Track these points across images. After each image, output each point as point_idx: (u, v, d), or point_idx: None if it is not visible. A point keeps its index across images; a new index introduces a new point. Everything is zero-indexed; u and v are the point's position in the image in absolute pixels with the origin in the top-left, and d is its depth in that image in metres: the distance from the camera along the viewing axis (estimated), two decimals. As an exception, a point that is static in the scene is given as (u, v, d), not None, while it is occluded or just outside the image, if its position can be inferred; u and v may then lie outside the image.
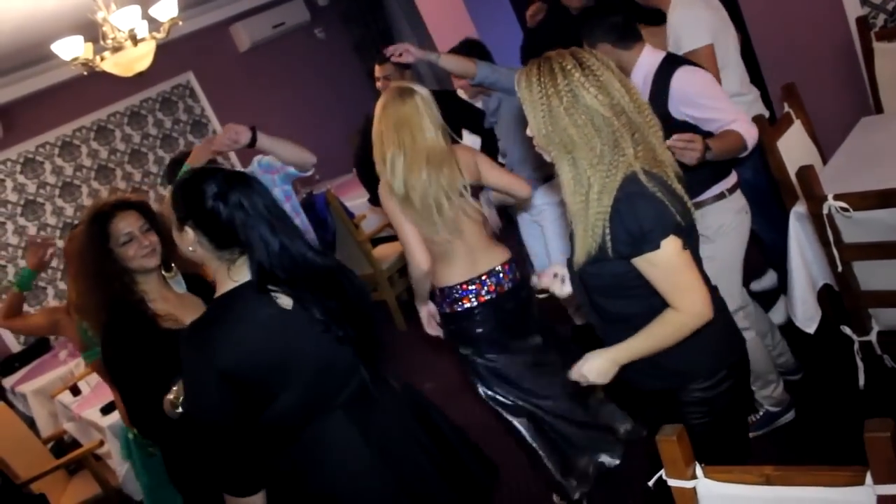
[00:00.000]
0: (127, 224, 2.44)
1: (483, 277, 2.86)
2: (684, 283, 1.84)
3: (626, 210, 1.79)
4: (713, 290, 2.02)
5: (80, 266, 2.53)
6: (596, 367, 1.94)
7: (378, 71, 3.92)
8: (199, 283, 2.66)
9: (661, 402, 2.10)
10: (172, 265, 2.54)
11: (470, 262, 2.86)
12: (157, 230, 2.48)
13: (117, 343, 2.37)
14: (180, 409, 2.24)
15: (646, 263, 1.82)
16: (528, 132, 1.94)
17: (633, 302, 1.93)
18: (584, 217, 1.87)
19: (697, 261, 1.95)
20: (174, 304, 2.51)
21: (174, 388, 2.27)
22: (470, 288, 2.86)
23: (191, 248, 1.93)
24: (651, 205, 1.79)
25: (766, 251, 3.81)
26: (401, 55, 3.25)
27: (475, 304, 2.86)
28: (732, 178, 2.91)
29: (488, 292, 2.87)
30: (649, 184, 1.80)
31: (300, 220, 3.47)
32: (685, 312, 1.85)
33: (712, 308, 1.87)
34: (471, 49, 3.67)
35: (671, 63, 2.77)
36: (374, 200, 4.73)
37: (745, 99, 3.44)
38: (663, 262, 1.81)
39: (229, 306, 1.91)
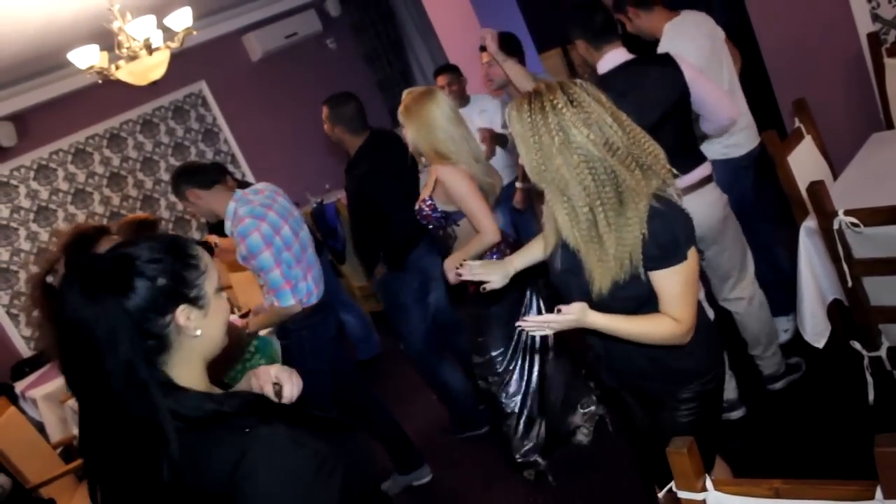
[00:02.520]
0: (109, 242, 2.51)
1: None
2: (691, 296, 1.91)
3: (661, 227, 1.84)
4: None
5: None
6: (578, 314, 1.89)
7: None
8: None
9: (651, 404, 2.21)
10: None
11: None
12: None
13: None
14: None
15: (670, 273, 1.87)
16: (520, 161, 2.00)
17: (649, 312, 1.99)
18: (596, 251, 1.90)
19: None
20: None
21: None
22: None
23: None
24: (681, 217, 1.88)
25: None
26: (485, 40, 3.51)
27: None
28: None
29: None
30: (673, 199, 1.90)
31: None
32: (682, 324, 1.90)
33: (692, 333, 1.97)
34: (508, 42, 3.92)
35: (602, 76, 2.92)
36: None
37: (738, 126, 3.44)
38: (686, 273, 1.88)
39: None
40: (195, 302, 1.35)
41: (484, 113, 4.86)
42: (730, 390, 3.24)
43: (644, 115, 2.78)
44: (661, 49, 3.36)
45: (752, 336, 3.29)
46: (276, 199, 3.49)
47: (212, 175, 3.45)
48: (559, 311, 1.88)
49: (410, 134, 3.07)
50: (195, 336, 1.36)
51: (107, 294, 1.28)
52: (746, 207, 3.51)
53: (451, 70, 4.90)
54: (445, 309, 3.95)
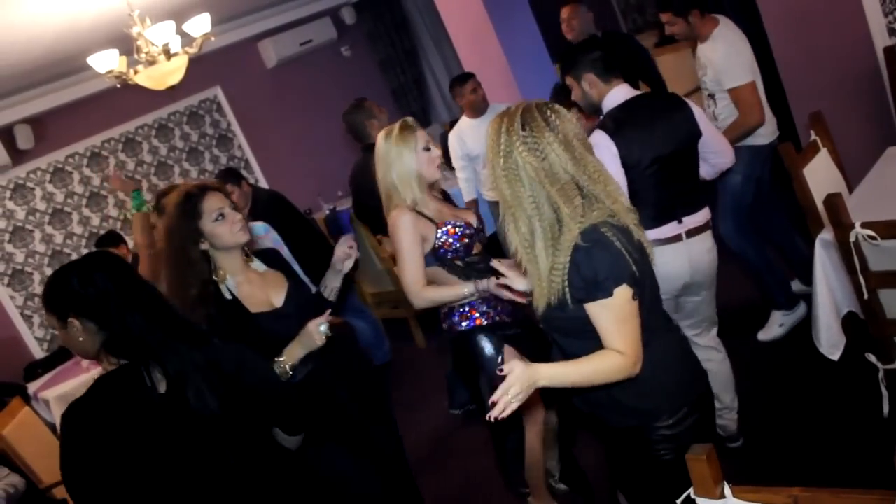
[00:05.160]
0: (217, 201, 2.52)
1: None
2: (629, 330, 1.92)
3: (584, 259, 1.88)
4: (676, 330, 2.20)
5: (169, 244, 2.56)
6: (523, 376, 1.84)
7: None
8: (273, 257, 2.77)
9: (628, 438, 2.15)
10: (247, 251, 2.65)
11: None
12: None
13: (212, 326, 2.45)
14: (290, 372, 2.49)
15: (598, 308, 1.91)
16: None
17: (588, 343, 1.98)
18: (535, 269, 1.98)
19: (657, 302, 2.09)
20: (259, 285, 2.61)
21: (281, 359, 2.49)
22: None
23: (81, 339, 1.90)
24: (608, 254, 1.88)
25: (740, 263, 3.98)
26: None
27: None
28: (667, 231, 2.90)
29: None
30: (609, 233, 1.89)
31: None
32: (628, 356, 1.91)
33: (641, 366, 1.94)
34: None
35: (604, 118, 2.92)
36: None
37: (766, 116, 3.67)
38: (615, 309, 1.89)
39: (108, 389, 1.89)
40: None
41: None
42: (731, 422, 3.21)
43: (659, 148, 2.82)
44: (718, 54, 3.58)
45: (724, 385, 3.15)
46: None
47: None
48: (500, 370, 1.86)
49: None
50: None
51: None
52: (764, 194, 3.81)
53: (471, 78, 4.95)
54: None
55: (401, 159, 2.78)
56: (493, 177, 1.97)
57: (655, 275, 2.10)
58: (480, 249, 2.94)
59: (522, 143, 1.90)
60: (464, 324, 2.91)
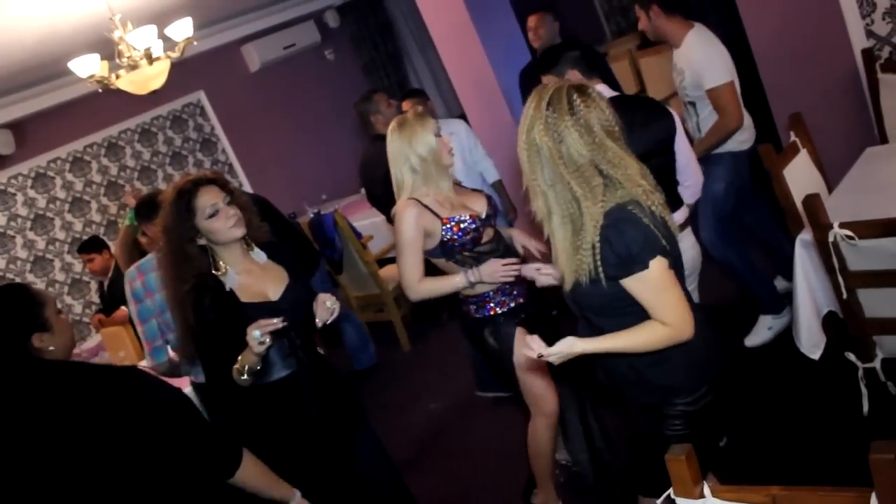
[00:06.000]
0: (211, 197, 2.49)
1: None
2: (672, 299, 1.96)
3: (615, 235, 1.91)
4: (700, 310, 2.18)
5: (166, 242, 2.54)
6: (567, 348, 1.98)
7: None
8: (278, 251, 2.72)
9: (647, 414, 2.21)
10: (248, 240, 2.62)
11: None
12: (234, 203, 2.55)
13: (201, 315, 2.45)
14: (245, 377, 2.41)
15: (636, 282, 1.94)
16: None
17: (626, 320, 2.01)
18: (554, 240, 2.03)
19: (681, 280, 2.09)
20: (257, 276, 2.58)
21: (239, 358, 2.40)
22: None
23: None
24: (638, 229, 1.91)
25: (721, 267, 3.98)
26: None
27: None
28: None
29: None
30: (636, 210, 1.93)
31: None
32: (672, 326, 1.95)
33: (693, 328, 1.98)
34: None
35: None
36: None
37: (746, 123, 3.70)
38: (653, 280, 1.93)
39: None
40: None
41: (453, 136, 4.80)
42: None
43: (637, 148, 2.82)
44: (696, 54, 3.57)
45: None
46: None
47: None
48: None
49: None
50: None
51: None
52: (747, 196, 3.86)
53: (418, 94, 4.93)
54: None
55: (426, 137, 2.82)
56: (518, 148, 2.02)
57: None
58: (492, 235, 2.96)
59: (543, 123, 1.95)
60: (479, 313, 2.97)
